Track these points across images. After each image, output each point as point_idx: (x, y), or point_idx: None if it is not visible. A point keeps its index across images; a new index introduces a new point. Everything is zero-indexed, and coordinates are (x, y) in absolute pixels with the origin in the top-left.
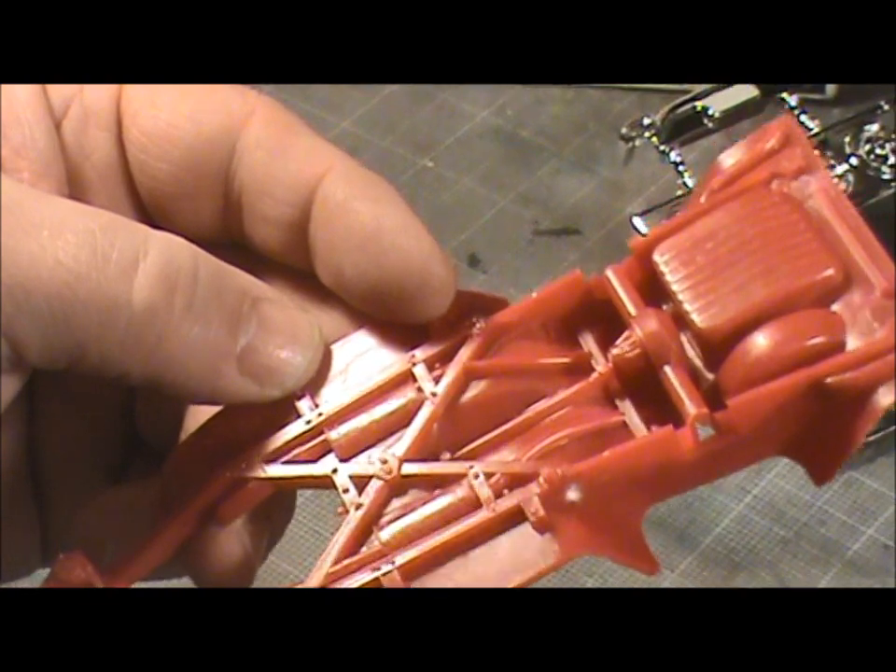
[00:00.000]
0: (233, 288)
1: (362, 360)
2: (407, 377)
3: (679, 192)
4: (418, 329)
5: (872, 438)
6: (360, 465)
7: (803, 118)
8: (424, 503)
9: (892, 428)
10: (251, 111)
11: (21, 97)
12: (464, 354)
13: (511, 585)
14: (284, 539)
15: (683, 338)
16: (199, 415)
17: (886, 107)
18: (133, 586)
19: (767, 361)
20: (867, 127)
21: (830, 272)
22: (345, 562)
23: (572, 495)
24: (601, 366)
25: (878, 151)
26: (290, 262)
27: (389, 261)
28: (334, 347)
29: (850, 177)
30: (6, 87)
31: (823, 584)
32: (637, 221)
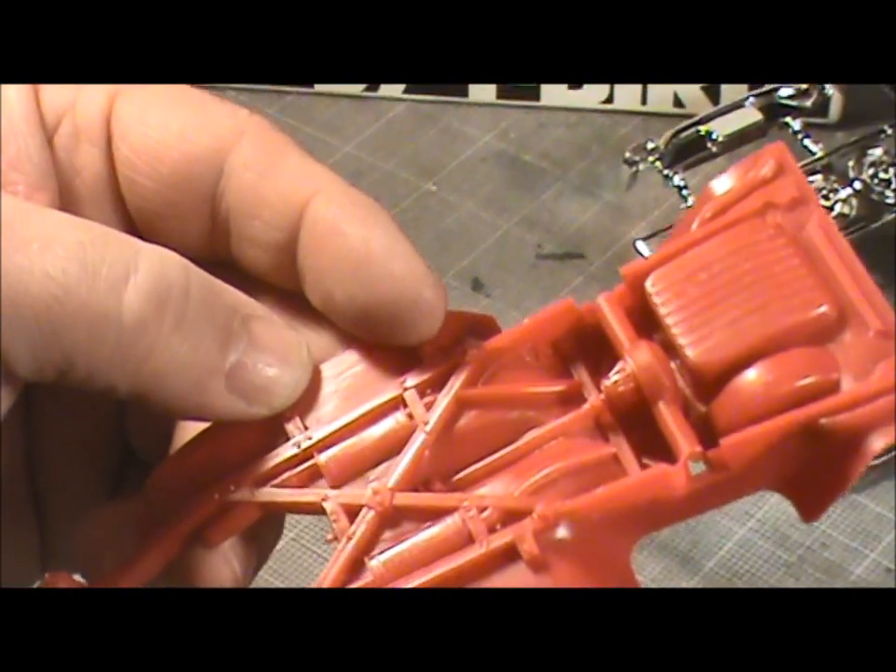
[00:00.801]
0: (224, 305)
1: (353, 383)
2: (398, 403)
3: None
4: (410, 352)
5: (876, 462)
6: (351, 493)
7: (806, 142)
8: (415, 534)
9: (895, 453)
10: (241, 131)
11: (16, 110)
12: (456, 381)
13: None
14: (288, 563)
15: (672, 365)
16: (188, 431)
17: (889, 131)
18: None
19: (761, 401)
20: (871, 151)
21: (824, 309)
22: None
23: (562, 532)
24: (593, 396)
25: (882, 175)
26: (279, 283)
27: (379, 286)
28: (324, 368)
29: (854, 202)
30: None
31: None
32: (641, 245)
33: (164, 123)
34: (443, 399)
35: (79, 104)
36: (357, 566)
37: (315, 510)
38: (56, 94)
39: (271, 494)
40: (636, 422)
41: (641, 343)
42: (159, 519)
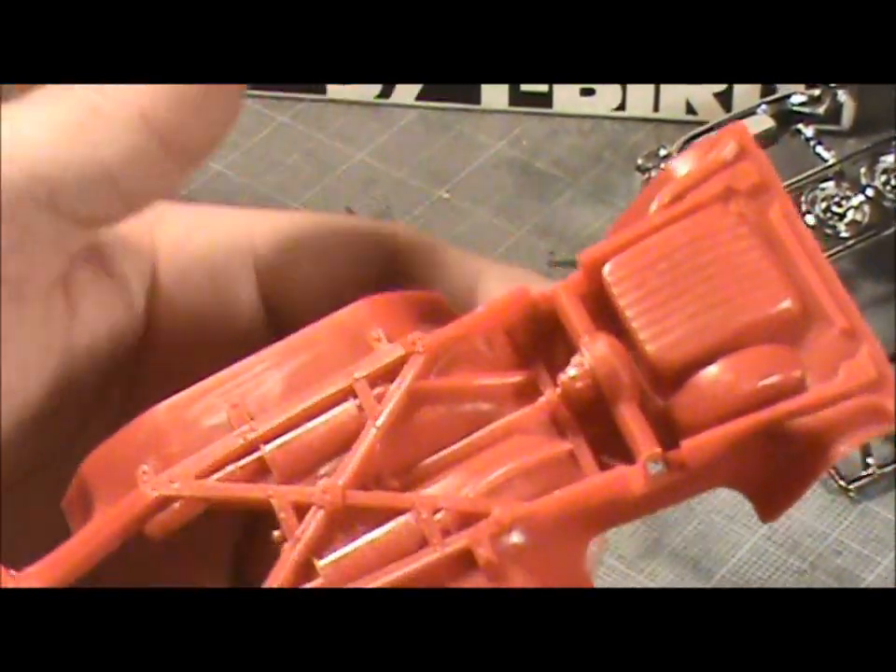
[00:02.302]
0: None
1: (299, 371)
2: (347, 394)
3: None
4: (359, 340)
5: (888, 468)
6: (300, 490)
7: (818, 149)
8: (367, 535)
9: None
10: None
11: None
12: (408, 373)
13: None
14: None
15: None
16: None
17: None
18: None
19: (722, 400)
20: (883, 158)
21: (787, 305)
22: None
23: (516, 537)
24: (549, 391)
25: (894, 182)
26: None
27: None
28: (267, 355)
29: (866, 209)
30: None
31: None
32: None
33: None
34: (395, 392)
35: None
36: (306, 567)
37: (262, 506)
38: None
39: (214, 488)
40: (592, 416)
41: (599, 336)
42: (92, 508)
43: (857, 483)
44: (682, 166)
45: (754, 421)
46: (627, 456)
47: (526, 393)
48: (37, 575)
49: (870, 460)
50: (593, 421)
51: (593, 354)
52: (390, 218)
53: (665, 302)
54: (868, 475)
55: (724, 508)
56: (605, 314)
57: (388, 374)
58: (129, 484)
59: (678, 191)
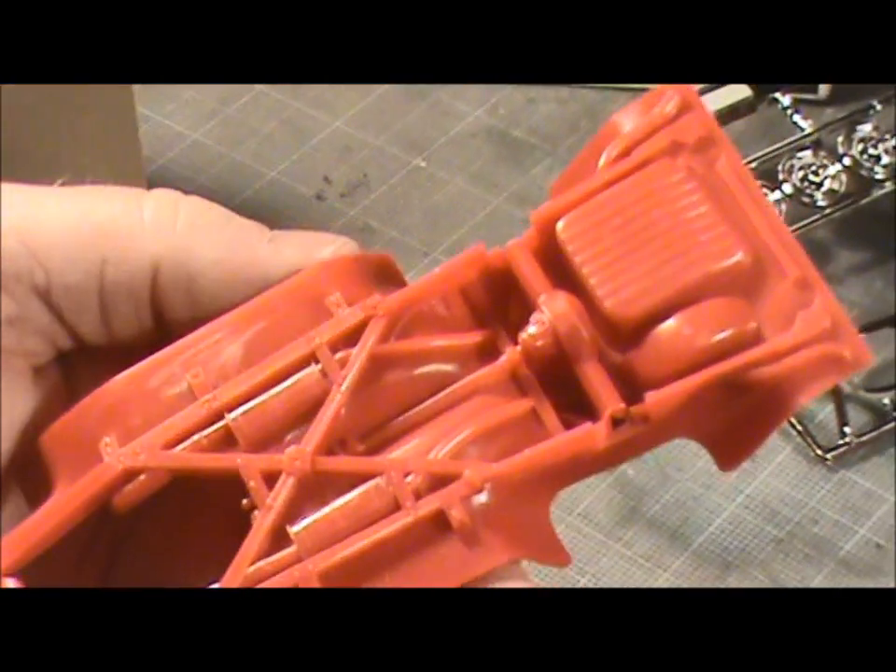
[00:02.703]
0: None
1: (259, 338)
2: (309, 359)
3: None
4: (318, 305)
5: (865, 437)
6: (268, 458)
7: (796, 117)
8: (338, 501)
9: (885, 428)
10: None
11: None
12: (369, 337)
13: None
14: None
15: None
16: None
17: (879, 107)
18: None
19: (680, 355)
20: (860, 127)
21: (739, 257)
22: (261, 563)
23: (483, 497)
24: (509, 349)
25: (871, 151)
26: None
27: None
28: (226, 322)
29: (843, 178)
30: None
31: (816, 584)
32: None
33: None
34: (358, 356)
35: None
36: (279, 534)
37: (230, 475)
38: None
39: (181, 458)
40: (553, 373)
41: (558, 294)
42: (55, 479)
43: (834, 452)
44: (627, 121)
45: (713, 374)
46: (589, 412)
47: (487, 352)
48: (7, 549)
49: (847, 429)
50: (553, 378)
51: (552, 311)
52: (367, 187)
53: (620, 259)
54: (845, 444)
55: (702, 476)
56: (558, 271)
57: (349, 338)
58: (91, 457)
59: (624, 147)
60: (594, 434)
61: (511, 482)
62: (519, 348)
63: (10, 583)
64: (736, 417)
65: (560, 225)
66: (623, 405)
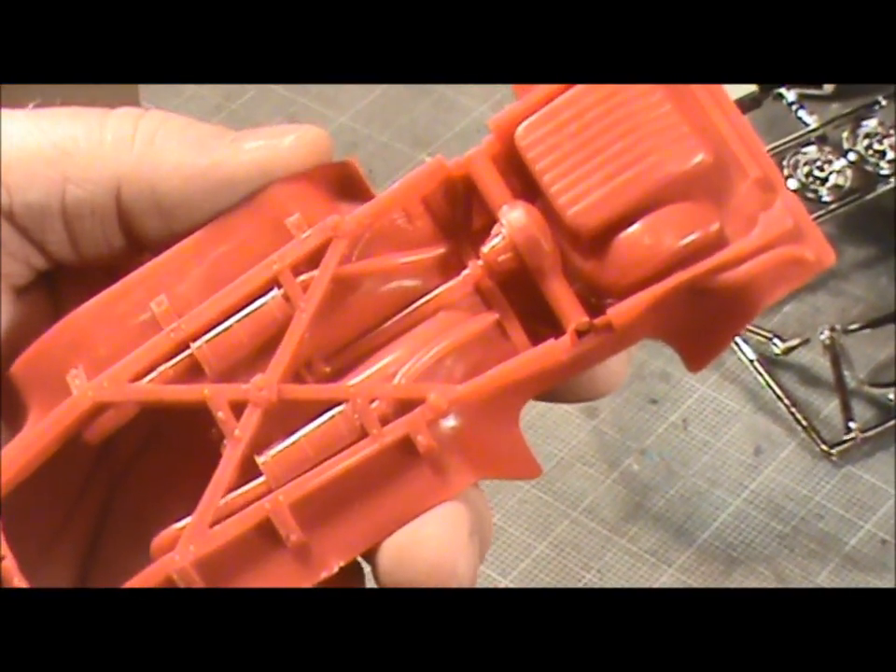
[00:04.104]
0: None
1: (219, 263)
2: (272, 284)
3: None
4: (277, 227)
5: (870, 433)
6: (235, 388)
7: (801, 113)
8: (304, 428)
9: (890, 423)
10: None
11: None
12: (331, 259)
13: (404, 525)
14: None
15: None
16: None
17: (884, 103)
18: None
19: (644, 262)
20: (865, 122)
21: (700, 158)
22: (231, 496)
23: (452, 420)
24: (471, 263)
25: (876, 146)
26: None
27: None
28: (183, 248)
29: (848, 173)
30: None
31: (821, 579)
32: None
33: None
34: (321, 279)
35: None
36: (247, 464)
37: (197, 406)
38: None
39: (147, 390)
40: (516, 284)
41: (517, 205)
42: (23, 409)
43: (839, 448)
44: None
45: (677, 281)
46: (554, 321)
47: (450, 266)
48: None
49: (852, 424)
50: (517, 288)
51: (512, 224)
52: (373, 182)
53: (580, 165)
54: (850, 439)
55: (707, 472)
56: (521, 176)
57: (311, 261)
58: (60, 387)
59: None
60: (558, 348)
61: (478, 402)
62: (481, 262)
63: None
64: (702, 319)
65: (519, 131)
66: (586, 318)
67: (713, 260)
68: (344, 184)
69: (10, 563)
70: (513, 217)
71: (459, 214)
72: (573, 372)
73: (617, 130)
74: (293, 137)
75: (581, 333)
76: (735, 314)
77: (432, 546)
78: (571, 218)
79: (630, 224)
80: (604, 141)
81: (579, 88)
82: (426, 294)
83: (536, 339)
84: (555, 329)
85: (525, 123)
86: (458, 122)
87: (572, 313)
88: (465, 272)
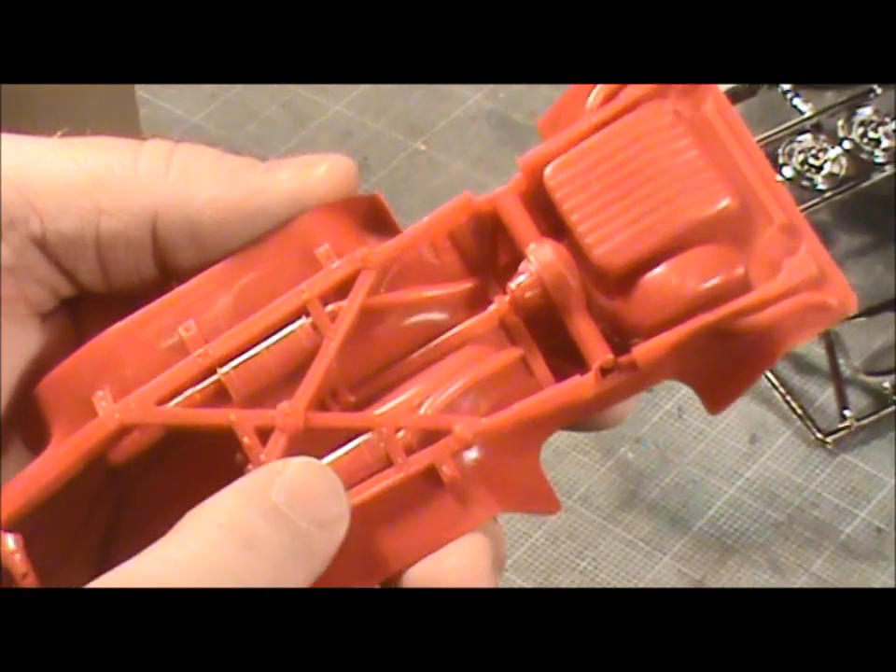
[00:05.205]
0: None
1: (248, 291)
2: (300, 312)
3: None
4: (306, 256)
5: (865, 421)
6: (262, 414)
7: (796, 101)
8: (330, 456)
9: (885, 411)
10: None
11: None
12: (360, 290)
13: (428, 554)
14: None
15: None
16: None
17: (879, 91)
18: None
19: (668, 303)
20: (860, 110)
21: (727, 202)
22: None
23: (475, 452)
24: (498, 299)
25: (871, 135)
26: None
27: None
28: (218, 272)
29: (843, 161)
30: None
31: (816, 567)
32: None
33: None
34: (348, 310)
35: None
36: None
37: (223, 430)
38: None
39: (174, 414)
40: (541, 320)
41: (545, 243)
42: (47, 430)
43: (834, 436)
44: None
45: (701, 323)
46: (577, 358)
47: (476, 300)
48: (8, 501)
49: (847, 413)
50: (541, 322)
51: (540, 261)
52: (367, 170)
53: (609, 206)
54: (845, 427)
55: (702, 460)
56: (547, 215)
57: (339, 291)
58: (86, 409)
59: (611, 88)
60: (582, 385)
61: (501, 435)
62: (507, 298)
63: (10, 539)
64: (724, 361)
65: (548, 171)
66: (611, 356)
67: (737, 304)
68: (372, 217)
69: (32, 580)
70: (542, 255)
71: (485, 249)
72: (595, 409)
73: (645, 173)
74: (325, 167)
75: (605, 371)
76: (757, 357)
77: (455, 579)
78: (598, 258)
79: (656, 265)
80: (632, 183)
81: (607, 130)
82: (451, 328)
83: (558, 375)
84: (578, 365)
85: (553, 163)
86: (452, 111)
87: (597, 350)
88: (491, 307)
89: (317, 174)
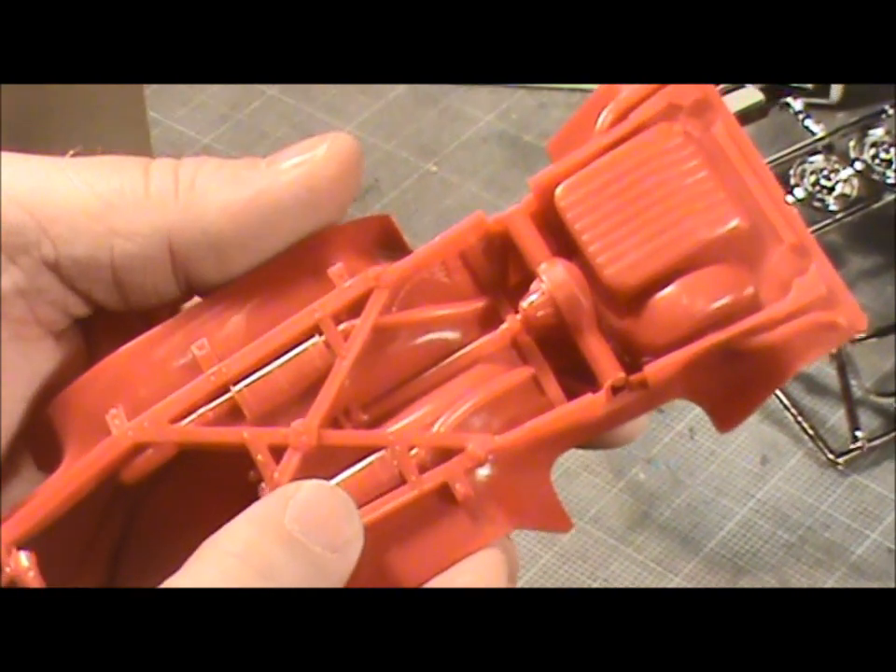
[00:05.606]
0: None
1: (261, 309)
2: (313, 331)
3: None
4: (319, 275)
5: (876, 442)
6: (276, 432)
7: (807, 122)
8: (343, 473)
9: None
10: None
11: None
12: (372, 309)
13: (441, 571)
14: None
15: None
16: None
17: (890, 111)
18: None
19: (679, 323)
20: (872, 131)
21: (736, 223)
22: None
23: (488, 469)
24: (510, 318)
25: (883, 156)
26: None
27: None
28: (231, 291)
29: (855, 182)
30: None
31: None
32: None
33: None
34: (361, 329)
35: None
36: None
37: (237, 448)
38: None
39: (187, 432)
40: (553, 339)
41: (557, 262)
42: (59, 449)
43: (846, 457)
44: (623, 84)
45: (711, 342)
46: (588, 376)
47: (488, 319)
48: (16, 521)
49: (858, 433)
50: (553, 343)
51: (552, 280)
52: (378, 191)
53: (619, 226)
54: (857, 448)
55: (713, 481)
56: (557, 235)
57: (352, 310)
58: (98, 427)
59: (621, 110)
60: (594, 403)
61: (514, 453)
62: (519, 317)
63: (23, 556)
64: (734, 380)
65: (559, 191)
66: (622, 374)
67: (747, 323)
68: (384, 237)
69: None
70: (554, 274)
71: (497, 269)
72: (606, 427)
73: (655, 193)
74: (325, 147)
75: (616, 389)
76: (767, 376)
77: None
78: (609, 278)
79: (666, 285)
80: (642, 203)
81: (617, 151)
82: (463, 347)
83: (569, 394)
84: (589, 384)
85: (564, 183)
86: (465, 131)
87: (609, 369)
88: (502, 326)
89: (320, 154)
